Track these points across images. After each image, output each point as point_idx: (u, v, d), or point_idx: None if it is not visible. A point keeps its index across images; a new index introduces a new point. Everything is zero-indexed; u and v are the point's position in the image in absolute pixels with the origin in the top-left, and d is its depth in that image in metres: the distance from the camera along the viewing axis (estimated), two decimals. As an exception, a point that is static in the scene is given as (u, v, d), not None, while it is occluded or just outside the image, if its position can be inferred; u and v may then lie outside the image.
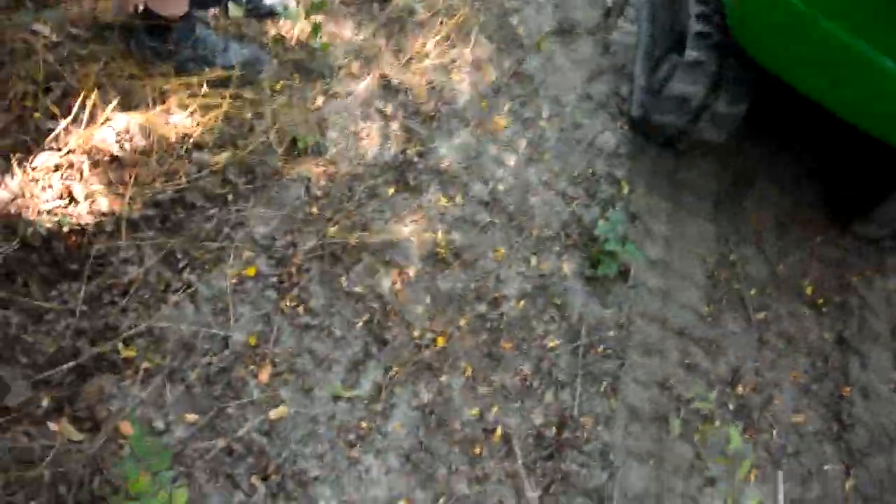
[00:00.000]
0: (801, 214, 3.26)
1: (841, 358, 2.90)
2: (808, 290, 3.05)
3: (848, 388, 2.86)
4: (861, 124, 2.61)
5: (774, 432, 2.66)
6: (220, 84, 2.46)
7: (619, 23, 3.55)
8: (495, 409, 2.38)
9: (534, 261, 2.72)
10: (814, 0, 2.37)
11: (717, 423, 2.58)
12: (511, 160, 2.92)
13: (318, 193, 2.45)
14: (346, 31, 2.92)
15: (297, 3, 2.83)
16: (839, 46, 2.39)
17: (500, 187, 2.83)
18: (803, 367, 2.84)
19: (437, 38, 3.06)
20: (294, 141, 2.50)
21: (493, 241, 2.69)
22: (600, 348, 2.63)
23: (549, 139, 3.06)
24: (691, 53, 2.93)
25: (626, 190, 3.03)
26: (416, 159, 2.72)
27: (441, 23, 3.11)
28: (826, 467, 2.60)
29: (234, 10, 2.70)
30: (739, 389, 2.70)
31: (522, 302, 2.61)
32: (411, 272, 2.49)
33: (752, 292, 2.98)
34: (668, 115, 3.08)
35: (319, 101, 2.66)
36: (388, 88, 2.84)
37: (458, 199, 2.72)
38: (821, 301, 3.04)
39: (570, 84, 3.26)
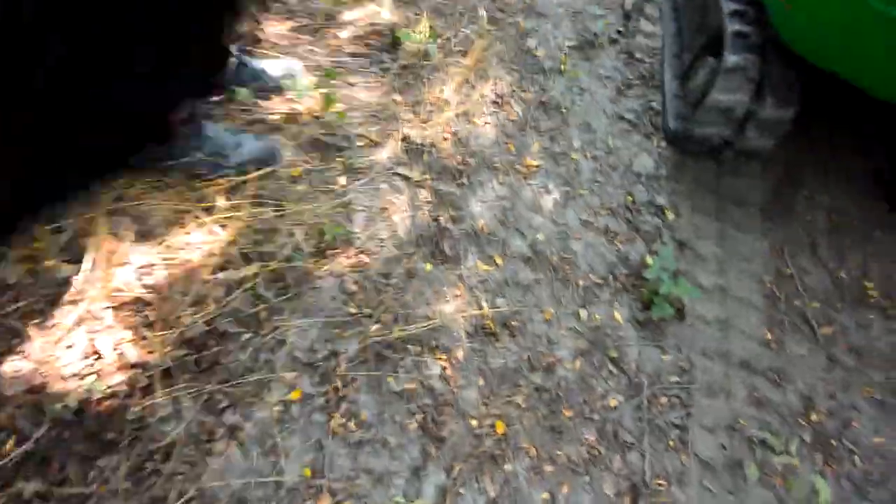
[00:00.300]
0: (855, 211, 3.09)
1: (916, 368, 2.76)
2: (873, 294, 2.90)
3: (927, 399, 2.73)
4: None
5: (856, 459, 2.54)
6: (236, 187, 2.35)
7: (641, 24, 3.36)
8: (565, 488, 2.29)
9: (584, 314, 2.61)
10: None
11: (795, 460, 2.47)
12: (548, 203, 2.79)
13: (354, 288, 2.35)
14: (360, 93, 2.79)
15: (304, 71, 2.70)
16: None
17: (540, 237, 2.70)
18: (878, 382, 2.70)
19: (455, 82, 2.91)
20: (321, 232, 2.40)
21: (540, 301, 2.58)
22: (663, 399, 2.52)
23: (583, 171, 2.92)
24: (730, 58, 2.73)
25: (670, 216, 2.88)
26: (449, 226, 2.61)
27: (457, 63, 2.96)
28: (916, 498, 2.48)
29: (243, 93, 2.58)
30: (813, 417, 2.58)
31: (578, 362, 2.50)
32: (460, 354, 2.39)
33: (815, 305, 2.84)
34: (711, 128, 2.91)
35: (342, 180, 2.55)
36: (410, 151, 2.71)
37: (498, 261, 2.61)
38: (887, 304, 2.89)
39: (599, 105, 3.10)
